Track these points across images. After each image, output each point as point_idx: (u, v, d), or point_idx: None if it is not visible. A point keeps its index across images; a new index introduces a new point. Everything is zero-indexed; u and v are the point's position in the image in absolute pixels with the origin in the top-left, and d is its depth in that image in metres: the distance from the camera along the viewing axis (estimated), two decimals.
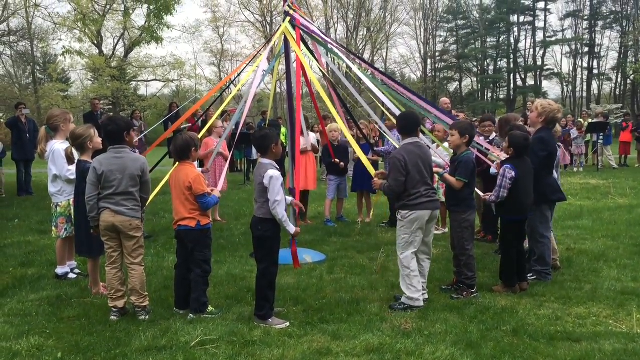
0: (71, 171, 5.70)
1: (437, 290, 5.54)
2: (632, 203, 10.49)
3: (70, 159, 5.72)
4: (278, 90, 33.45)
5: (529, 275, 5.83)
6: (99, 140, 5.62)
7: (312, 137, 9.29)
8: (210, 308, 4.98)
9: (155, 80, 40.55)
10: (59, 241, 6.04)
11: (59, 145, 5.88)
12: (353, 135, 8.31)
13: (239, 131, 7.60)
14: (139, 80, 42.18)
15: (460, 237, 5.45)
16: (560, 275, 5.97)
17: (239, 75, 8.24)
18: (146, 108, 39.25)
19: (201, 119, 12.18)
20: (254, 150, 14.58)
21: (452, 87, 49.74)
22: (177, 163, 5.06)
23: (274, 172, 4.69)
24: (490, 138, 7.60)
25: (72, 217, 5.67)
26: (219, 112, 9.21)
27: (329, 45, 7.49)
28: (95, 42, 36.29)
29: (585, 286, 5.59)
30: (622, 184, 13.08)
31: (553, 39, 46.88)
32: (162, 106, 37.14)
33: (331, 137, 9.45)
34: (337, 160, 9.20)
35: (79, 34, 33.31)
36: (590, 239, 7.61)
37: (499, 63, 47.47)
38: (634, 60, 42.40)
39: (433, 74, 49.51)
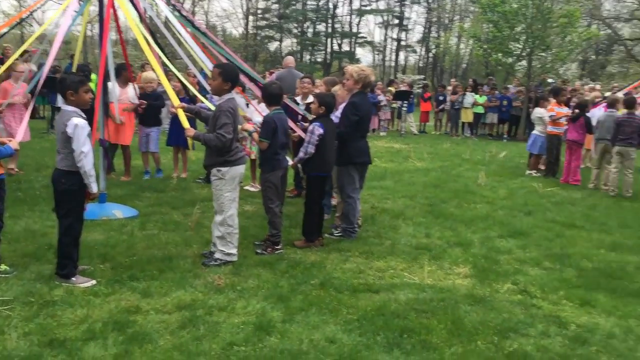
0: None
1: (251, 246, 5.62)
2: (429, 167, 11.57)
3: None
4: (89, 33, 30.80)
5: (336, 232, 6.19)
6: None
7: (131, 89, 8.68)
8: (3, 266, 4.53)
9: None
10: None
11: None
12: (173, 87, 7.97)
13: (43, 75, 6.82)
14: None
15: (264, 195, 5.56)
16: (364, 231, 6.41)
17: (35, 10, 7.38)
18: None
19: None
20: (59, 96, 13.33)
21: (273, 46, 50.00)
22: None
23: (78, 121, 4.32)
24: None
25: None
26: (19, 52, 8.21)
27: None
28: None
29: (386, 242, 6.08)
30: (420, 149, 14.33)
31: (368, 8, 49.18)
32: None
33: (147, 87, 8.98)
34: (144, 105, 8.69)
35: None
36: (392, 199, 8.25)
37: (317, 27, 48.70)
38: (437, 35, 46.25)
39: (254, 31, 49.29)
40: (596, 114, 10.41)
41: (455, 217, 7.26)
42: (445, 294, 4.64)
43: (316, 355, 3.53)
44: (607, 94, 12.67)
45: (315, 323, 3.98)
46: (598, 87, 18.10)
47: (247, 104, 8.08)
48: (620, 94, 11.11)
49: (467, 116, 18.72)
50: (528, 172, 11.12)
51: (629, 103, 9.40)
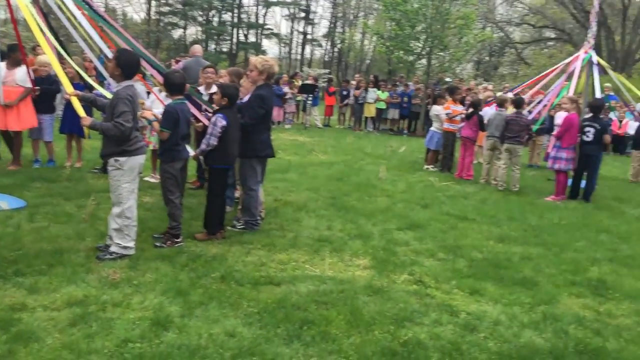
0: None
1: (149, 239, 5.46)
2: (332, 160, 11.73)
3: None
4: None
5: (238, 225, 6.14)
6: None
7: (21, 72, 8.10)
8: None
9: None
10: None
11: None
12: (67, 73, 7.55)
13: None
14: None
15: (164, 186, 5.43)
16: (267, 224, 6.40)
17: None
18: None
19: None
20: None
21: (177, 34, 48.63)
22: None
23: None
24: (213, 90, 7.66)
25: None
26: None
27: None
28: None
29: (288, 234, 6.10)
30: (324, 142, 14.52)
31: (274, 0, 49.03)
32: None
33: (41, 71, 8.45)
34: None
35: None
36: (295, 192, 8.30)
37: (223, 16, 47.90)
38: (342, 30, 46.95)
39: (157, 17, 47.70)
40: (488, 112, 10.98)
41: (356, 210, 7.41)
42: (345, 285, 4.73)
43: (215, 350, 3.48)
44: (499, 93, 13.39)
45: (215, 317, 3.93)
46: (490, 87, 19.09)
47: (148, 93, 7.81)
48: (510, 94, 11.77)
49: (369, 111, 19.17)
50: (426, 166, 11.56)
51: (518, 103, 9.99)
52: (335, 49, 48.38)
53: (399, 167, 11.32)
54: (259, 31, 47.40)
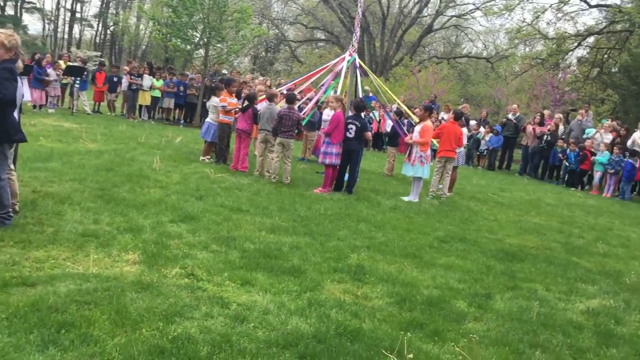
0: None
1: None
2: (102, 148, 11.01)
3: None
4: None
5: None
6: None
7: None
8: None
9: None
10: None
11: None
12: None
13: None
14: None
15: None
16: (22, 218, 5.77)
17: None
18: None
19: None
20: None
21: None
22: None
23: None
24: None
25: None
26: None
27: None
28: None
29: (48, 229, 5.57)
30: (94, 130, 13.55)
31: None
32: None
33: None
34: None
35: None
36: (58, 182, 7.61)
37: None
38: (115, 12, 44.35)
39: None
40: (263, 106, 11.28)
41: (127, 202, 7.06)
42: (111, 282, 4.47)
43: None
44: (281, 88, 13.85)
45: None
46: (269, 82, 19.69)
47: None
48: (283, 89, 12.27)
49: (144, 99, 18.42)
50: (202, 158, 11.48)
51: (290, 99, 10.44)
52: (109, 31, 45.58)
53: (174, 158, 11.07)
54: (19, 4, 42.54)
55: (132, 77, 18.04)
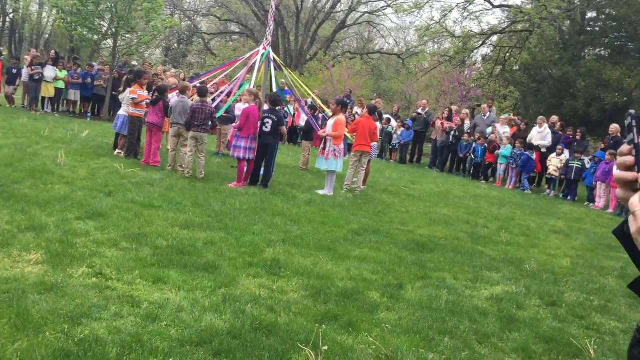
0: None
1: None
2: (1, 143, 10.34)
3: None
4: None
5: None
6: None
7: None
8: None
9: None
10: None
11: None
12: None
13: None
14: None
15: None
16: None
17: None
18: None
19: None
20: None
21: None
22: None
23: None
24: None
25: None
26: None
27: None
28: None
29: None
30: None
31: None
32: None
33: None
34: None
35: None
36: None
37: None
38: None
39: None
40: (174, 99, 11.02)
41: (29, 199, 6.67)
42: (11, 284, 4.21)
43: None
44: (173, 80, 13.53)
45: None
46: (182, 75, 19.23)
47: None
48: (197, 83, 12.02)
49: (47, 91, 17.48)
50: (117, 151, 11.07)
51: (202, 92, 10.25)
52: (8, 19, 42.86)
53: (81, 153, 10.58)
54: None
55: (33, 68, 17.06)
